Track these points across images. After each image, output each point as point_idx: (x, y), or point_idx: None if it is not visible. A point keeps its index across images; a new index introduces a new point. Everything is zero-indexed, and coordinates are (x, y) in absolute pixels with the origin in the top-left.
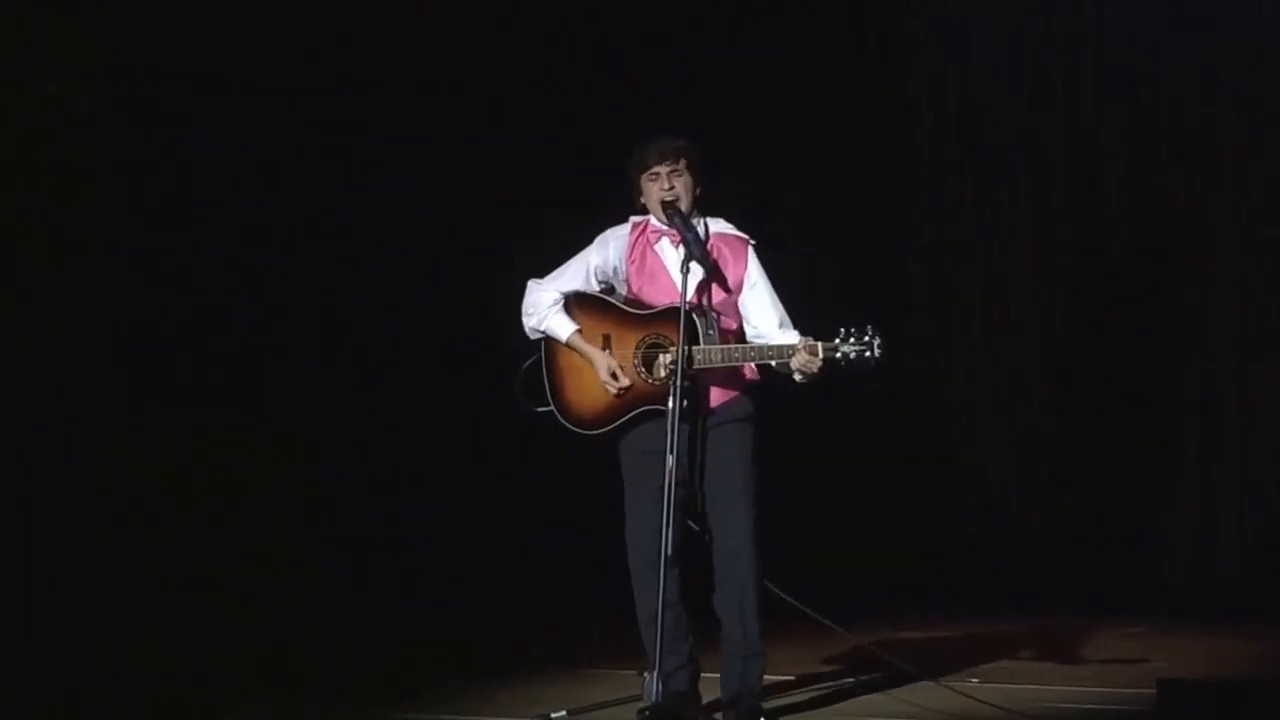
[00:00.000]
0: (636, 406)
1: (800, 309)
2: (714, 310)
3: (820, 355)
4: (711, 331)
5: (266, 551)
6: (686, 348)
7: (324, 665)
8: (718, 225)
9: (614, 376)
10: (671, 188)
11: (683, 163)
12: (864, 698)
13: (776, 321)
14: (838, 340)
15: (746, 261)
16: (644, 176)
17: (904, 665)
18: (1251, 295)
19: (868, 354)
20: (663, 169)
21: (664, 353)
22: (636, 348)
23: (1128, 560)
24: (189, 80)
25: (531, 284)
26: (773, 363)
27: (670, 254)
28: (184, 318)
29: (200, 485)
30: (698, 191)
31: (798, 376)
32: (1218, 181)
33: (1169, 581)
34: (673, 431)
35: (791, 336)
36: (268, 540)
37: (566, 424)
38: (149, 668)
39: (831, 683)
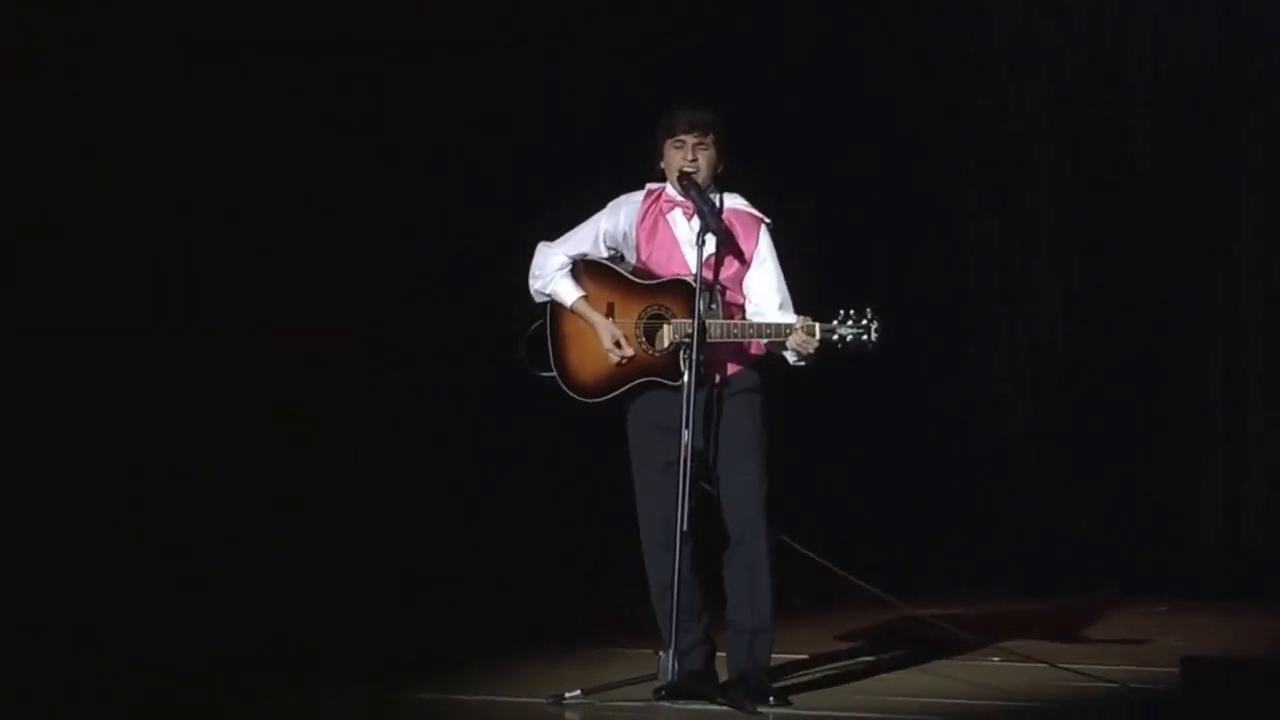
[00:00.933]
0: (637, 377)
1: (811, 285)
2: (720, 284)
3: (817, 336)
4: (715, 306)
5: (280, 534)
6: (692, 321)
7: (339, 647)
8: (733, 201)
9: (618, 345)
10: (694, 160)
11: (710, 137)
12: (881, 676)
13: (778, 302)
14: (835, 322)
15: (757, 239)
16: (669, 142)
17: (960, 631)
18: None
19: (865, 337)
20: (689, 139)
21: (666, 324)
22: (639, 318)
23: (1152, 538)
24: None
25: (541, 246)
26: (765, 340)
27: (681, 225)
28: (182, 300)
29: (208, 468)
30: (720, 168)
31: (791, 357)
32: (1245, 161)
33: (1193, 559)
34: (687, 405)
35: (790, 318)
36: (281, 522)
37: (568, 391)
38: (164, 656)
39: (846, 661)
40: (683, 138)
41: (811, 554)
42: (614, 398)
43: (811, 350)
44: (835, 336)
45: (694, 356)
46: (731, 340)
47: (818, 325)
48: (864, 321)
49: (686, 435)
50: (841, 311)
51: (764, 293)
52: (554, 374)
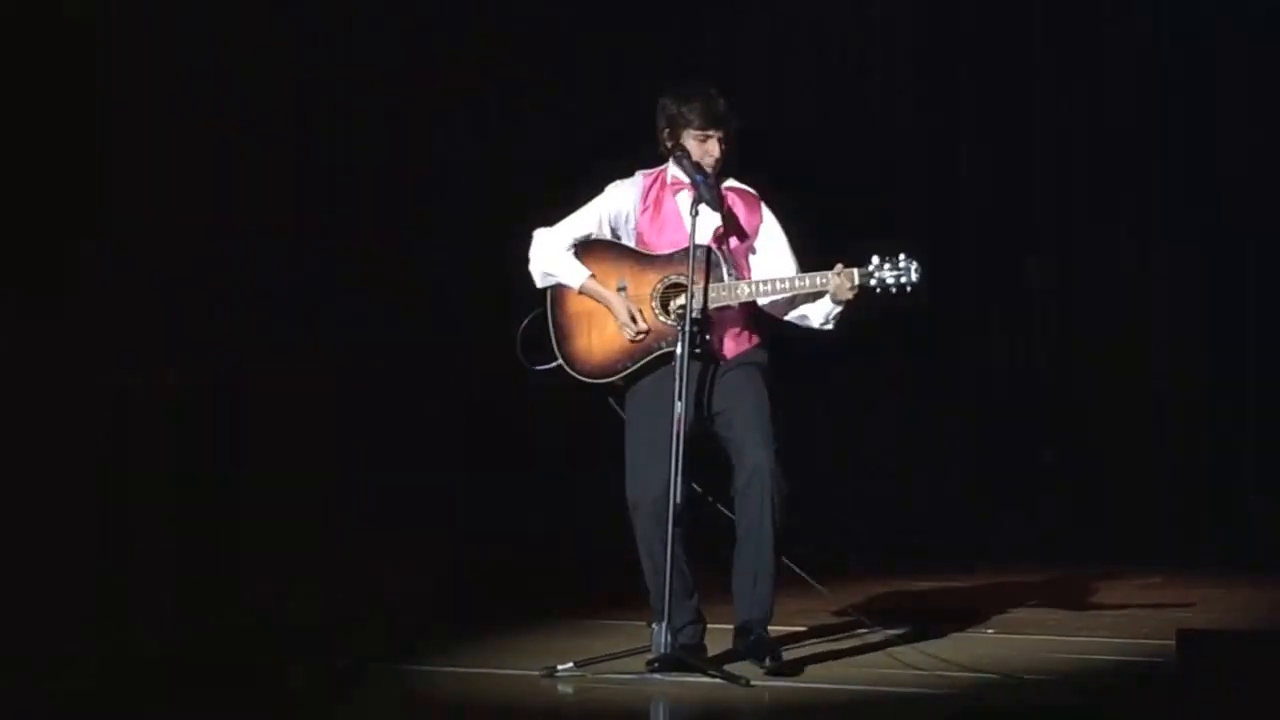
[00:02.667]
0: (655, 349)
1: (813, 253)
2: (730, 254)
3: (856, 282)
4: (732, 272)
5: (281, 509)
6: (703, 287)
7: (332, 620)
8: (728, 180)
9: (633, 319)
10: (714, 154)
11: (730, 131)
12: (875, 649)
13: (793, 270)
14: (872, 267)
15: (761, 213)
16: (691, 133)
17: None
18: None
19: (904, 279)
20: (715, 134)
21: (684, 293)
22: (654, 289)
23: (1147, 509)
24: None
25: (539, 232)
26: (781, 298)
27: (686, 205)
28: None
29: (214, 440)
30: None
31: (817, 319)
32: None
33: (1188, 530)
34: (681, 378)
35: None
36: (283, 498)
37: (576, 375)
38: (173, 631)
39: (840, 634)
40: (711, 132)
41: (796, 568)
42: (631, 372)
43: (848, 298)
44: (874, 281)
45: (686, 328)
46: (760, 297)
47: (856, 271)
48: (901, 264)
49: (679, 408)
50: (876, 258)
51: (777, 263)
52: (557, 364)
